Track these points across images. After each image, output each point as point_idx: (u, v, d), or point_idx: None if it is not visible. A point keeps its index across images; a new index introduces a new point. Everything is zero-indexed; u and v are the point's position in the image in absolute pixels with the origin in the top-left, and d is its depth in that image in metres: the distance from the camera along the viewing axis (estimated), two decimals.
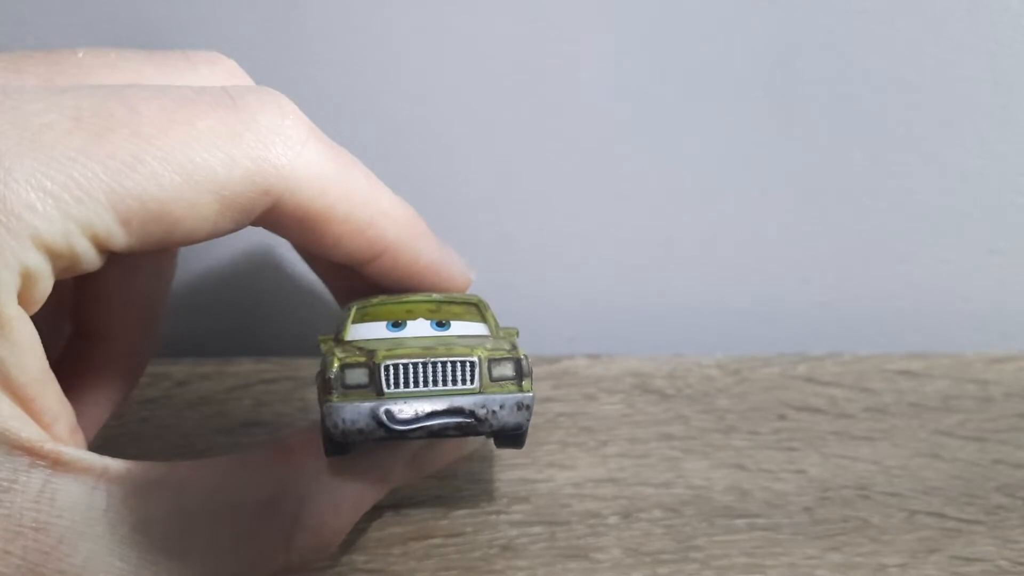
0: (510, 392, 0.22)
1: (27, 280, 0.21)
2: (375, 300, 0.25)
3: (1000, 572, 0.28)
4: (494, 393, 0.22)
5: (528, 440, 0.24)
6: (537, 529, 0.29)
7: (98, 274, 0.22)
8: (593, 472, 0.31)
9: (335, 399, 0.22)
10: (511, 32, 0.33)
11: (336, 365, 0.22)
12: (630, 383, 0.34)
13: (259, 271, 0.36)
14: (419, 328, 0.24)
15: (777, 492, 0.30)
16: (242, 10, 0.33)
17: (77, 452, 0.22)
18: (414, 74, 0.34)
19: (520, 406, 0.22)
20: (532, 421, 0.23)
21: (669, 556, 0.28)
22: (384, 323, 0.25)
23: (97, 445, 0.25)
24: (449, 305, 0.25)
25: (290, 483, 0.23)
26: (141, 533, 0.22)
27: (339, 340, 0.24)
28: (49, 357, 0.22)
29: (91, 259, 0.21)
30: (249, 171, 0.22)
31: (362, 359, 0.22)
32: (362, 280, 0.26)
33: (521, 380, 0.22)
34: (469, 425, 0.22)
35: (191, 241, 0.22)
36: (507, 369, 0.22)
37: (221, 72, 0.25)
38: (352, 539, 0.28)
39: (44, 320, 0.22)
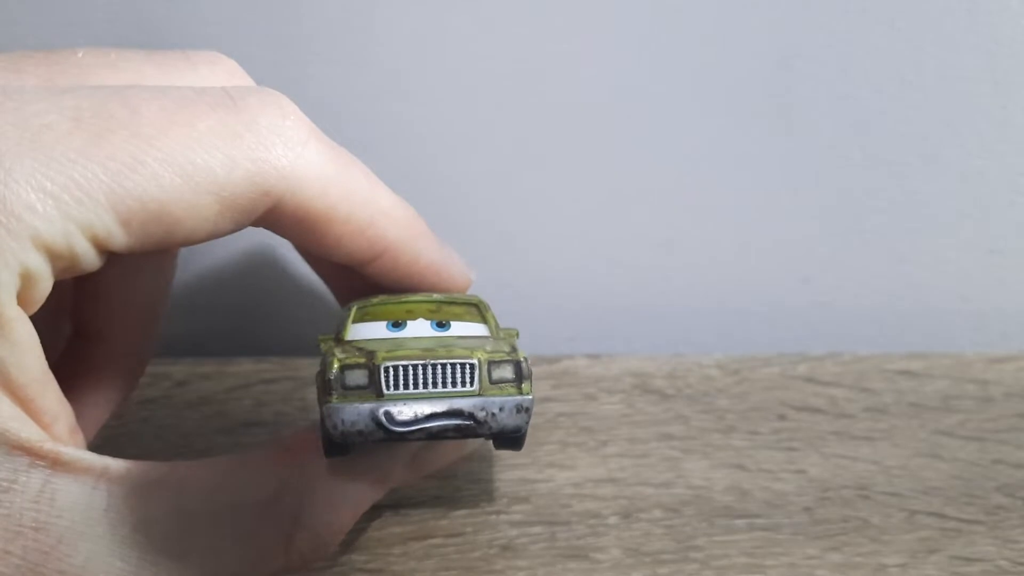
0: (510, 395, 0.22)
1: (27, 281, 0.21)
2: (375, 300, 0.25)
3: (1000, 572, 0.28)
4: (494, 395, 0.22)
5: (528, 440, 0.24)
6: (537, 529, 0.29)
7: (98, 274, 0.22)
8: (593, 472, 0.31)
9: (335, 400, 0.22)
10: (511, 32, 0.33)
11: (336, 366, 0.22)
12: (630, 383, 0.34)
13: (259, 271, 0.36)
14: (419, 328, 0.24)
15: (777, 492, 0.30)
16: (242, 10, 0.33)
17: (77, 452, 0.22)
18: (414, 74, 0.34)
19: (519, 409, 0.22)
20: (532, 421, 0.23)
21: (669, 556, 0.28)
22: (384, 323, 0.25)
23: (97, 445, 0.25)
24: (449, 305, 0.25)
25: (290, 483, 0.23)
26: (141, 533, 0.22)
27: (339, 340, 0.24)
28: (49, 357, 0.22)
29: (91, 260, 0.21)
30: (249, 172, 0.22)
31: (362, 360, 0.22)
32: (363, 280, 0.26)
33: (521, 383, 0.22)
34: (468, 427, 0.22)
35: (191, 242, 0.22)
36: (507, 371, 0.22)
37: (221, 72, 0.25)
38: (352, 539, 0.28)
39: (44, 320, 0.22)
